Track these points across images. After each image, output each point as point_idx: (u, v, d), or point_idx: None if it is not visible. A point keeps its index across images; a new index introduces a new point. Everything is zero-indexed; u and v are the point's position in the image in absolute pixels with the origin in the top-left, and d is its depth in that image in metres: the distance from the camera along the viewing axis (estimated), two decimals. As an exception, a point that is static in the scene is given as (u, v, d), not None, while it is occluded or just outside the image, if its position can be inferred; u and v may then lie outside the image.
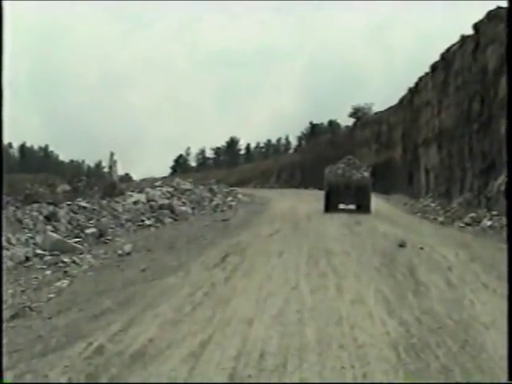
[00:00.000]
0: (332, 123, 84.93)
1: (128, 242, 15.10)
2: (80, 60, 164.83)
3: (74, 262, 12.33)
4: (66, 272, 11.25)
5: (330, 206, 24.00)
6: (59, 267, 11.85)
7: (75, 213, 18.78)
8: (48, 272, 11.41)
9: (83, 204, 20.19)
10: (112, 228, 18.12)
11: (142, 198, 24.16)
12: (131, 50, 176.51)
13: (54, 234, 14.86)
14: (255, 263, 10.53)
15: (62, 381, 4.99)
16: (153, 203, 23.31)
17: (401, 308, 7.11)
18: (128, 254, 13.13)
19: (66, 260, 12.43)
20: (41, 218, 16.94)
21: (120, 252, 13.30)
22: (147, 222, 20.37)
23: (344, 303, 7.34)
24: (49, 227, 16.07)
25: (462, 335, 5.98)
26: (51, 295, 9.19)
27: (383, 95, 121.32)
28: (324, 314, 6.79)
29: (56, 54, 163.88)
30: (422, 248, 12.21)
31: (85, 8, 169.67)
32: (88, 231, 16.68)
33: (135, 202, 23.02)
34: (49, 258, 13.00)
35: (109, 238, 16.51)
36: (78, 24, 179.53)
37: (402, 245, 12.43)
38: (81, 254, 13.44)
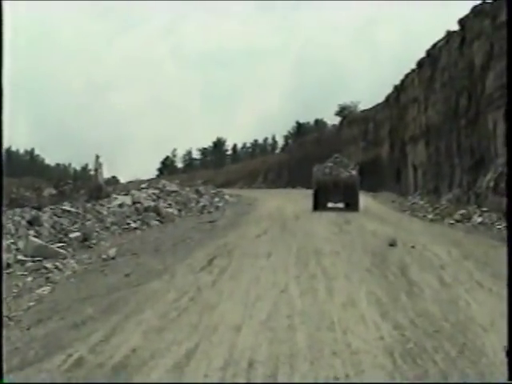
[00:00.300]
0: (318, 122, 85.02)
1: (113, 246, 14.76)
2: (65, 62, 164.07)
3: (56, 267, 11.96)
4: (47, 278, 10.89)
5: (318, 205, 24.06)
6: (41, 273, 11.48)
7: (59, 217, 18.39)
8: (29, 279, 11.04)
9: (67, 208, 19.80)
10: (97, 232, 17.72)
11: (128, 200, 23.78)
12: (116, 52, 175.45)
13: (37, 239, 14.45)
14: (243, 265, 10.25)
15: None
16: (138, 205, 22.95)
17: (394, 310, 6.85)
18: (112, 258, 12.79)
19: (48, 266, 12.04)
20: (23, 222, 16.54)
21: (104, 256, 12.96)
22: (133, 225, 20.00)
23: (335, 306, 7.07)
24: (31, 232, 15.65)
25: (459, 338, 5.73)
26: (31, 303, 8.84)
27: (369, 93, 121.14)
28: (315, 318, 6.52)
29: (41, 57, 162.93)
30: (413, 246, 12.01)
31: (69, 10, 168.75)
32: (72, 235, 16.26)
33: (120, 205, 22.65)
34: (31, 263, 12.60)
35: (93, 242, 16.12)
36: (62, 26, 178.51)
37: (392, 244, 12.21)
38: (64, 259, 13.07)
